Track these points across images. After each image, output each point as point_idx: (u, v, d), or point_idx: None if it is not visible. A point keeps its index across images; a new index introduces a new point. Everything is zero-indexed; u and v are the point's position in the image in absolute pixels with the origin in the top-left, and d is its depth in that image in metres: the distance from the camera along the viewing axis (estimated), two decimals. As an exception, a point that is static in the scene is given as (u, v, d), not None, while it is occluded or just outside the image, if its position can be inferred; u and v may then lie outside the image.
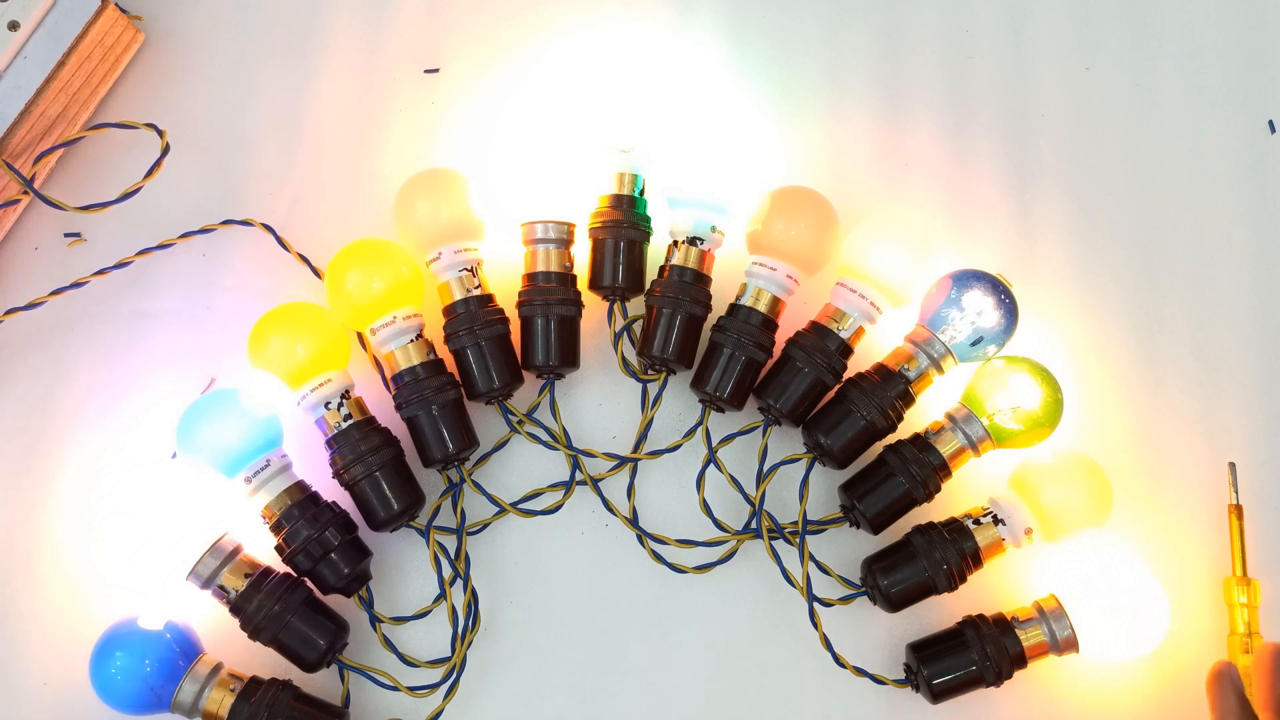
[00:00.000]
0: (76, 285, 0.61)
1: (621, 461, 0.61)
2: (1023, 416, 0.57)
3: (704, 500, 0.60)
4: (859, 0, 0.68)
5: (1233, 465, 0.60)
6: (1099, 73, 0.68)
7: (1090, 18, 0.69)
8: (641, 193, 0.60)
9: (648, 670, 0.60)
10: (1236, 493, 0.60)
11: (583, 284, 0.61)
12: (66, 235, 0.64)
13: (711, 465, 0.60)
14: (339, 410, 0.57)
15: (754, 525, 0.59)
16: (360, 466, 0.56)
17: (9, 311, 0.60)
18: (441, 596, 0.58)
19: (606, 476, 0.61)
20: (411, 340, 0.58)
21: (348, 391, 0.58)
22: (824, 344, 0.58)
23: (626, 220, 0.59)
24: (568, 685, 0.59)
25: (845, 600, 0.58)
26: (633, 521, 0.60)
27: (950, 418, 0.58)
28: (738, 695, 0.59)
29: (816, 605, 0.58)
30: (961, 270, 0.59)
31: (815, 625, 0.58)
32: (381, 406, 0.59)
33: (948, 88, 0.67)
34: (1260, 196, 0.66)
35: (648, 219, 0.60)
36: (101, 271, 0.62)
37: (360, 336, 0.62)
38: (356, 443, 0.56)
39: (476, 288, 0.59)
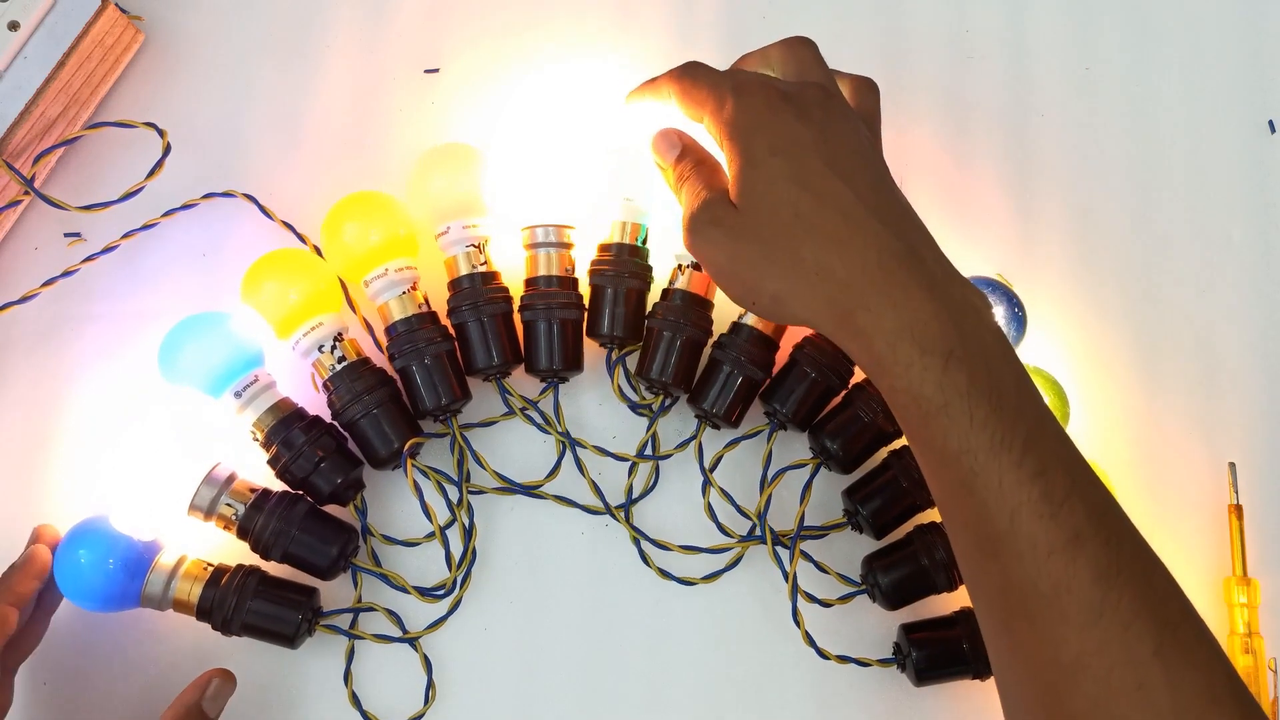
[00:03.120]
0: (67, 274, 0.61)
1: (633, 466, 0.61)
2: None
3: (709, 505, 0.60)
4: (859, 0, 0.68)
5: (1233, 465, 0.60)
6: (1099, 73, 0.68)
7: (1090, 18, 0.69)
8: (644, 241, 0.60)
9: (647, 670, 0.60)
10: (1236, 493, 0.60)
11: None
12: (67, 235, 0.64)
13: (719, 465, 0.60)
14: (333, 353, 0.58)
15: (758, 532, 0.59)
16: (359, 406, 0.57)
17: (3, 306, 0.60)
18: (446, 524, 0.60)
19: (631, 498, 0.61)
20: (405, 292, 0.58)
21: (341, 334, 0.58)
22: (831, 348, 0.58)
23: (628, 269, 0.59)
24: (566, 683, 0.60)
25: (845, 599, 0.58)
26: (641, 534, 0.61)
27: None
28: (736, 695, 0.59)
29: (814, 604, 0.58)
30: (971, 278, 0.59)
31: (798, 623, 0.58)
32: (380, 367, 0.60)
33: (948, 88, 0.67)
34: (1260, 196, 0.66)
35: (649, 267, 0.60)
36: (90, 258, 0.62)
37: (351, 302, 0.62)
38: (353, 382, 0.57)
39: (483, 264, 0.59)
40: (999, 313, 0.58)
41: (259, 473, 0.58)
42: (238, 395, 0.57)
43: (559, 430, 0.60)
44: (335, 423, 0.59)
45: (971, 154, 0.66)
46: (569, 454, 0.61)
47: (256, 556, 0.57)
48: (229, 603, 0.55)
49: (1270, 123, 0.67)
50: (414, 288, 0.59)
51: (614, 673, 0.60)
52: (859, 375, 0.59)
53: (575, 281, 0.60)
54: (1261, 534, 0.61)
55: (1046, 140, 0.67)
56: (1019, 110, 0.67)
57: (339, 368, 0.58)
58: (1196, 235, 0.66)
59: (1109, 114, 0.67)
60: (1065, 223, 0.65)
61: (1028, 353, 0.60)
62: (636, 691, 0.60)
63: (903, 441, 0.59)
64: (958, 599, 0.58)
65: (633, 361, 0.61)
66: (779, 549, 0.59)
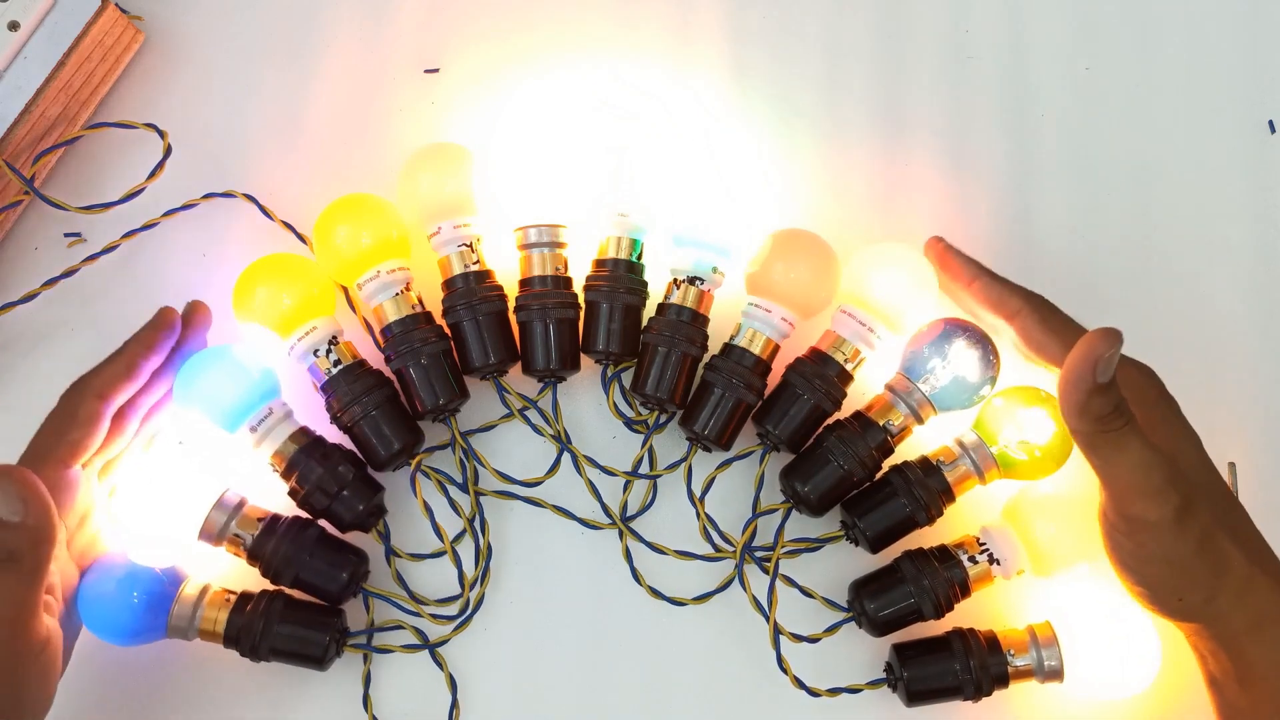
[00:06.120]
0: (67, 274, 0.61)
1: (628, 484, 0.61)
2: (1033, 449, 0.56)
3: (703, 528, 0.60)
4: (859, 0, 0.68)
5: (1233, 465, 0.60)
6: (1099, 73, 0.68)
7: (1090, 18, 0.69)
8: (639, 257, 0.60)
9: (645, 669, 0.60)
10: (1236, 493, 0.60)
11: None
12: (66, 235, 0.64)
13: (714, 484, 0.60)
14: (328, 357, 0.58)
15: (741, 557, 0.59)
16: (357, 408, 0.57)
17: (4, 306, 0.60)
18: (461, 535, 0.60)
19: (627, 513, 0.61)
20: (399, 293, 0.58)
21: (335, 337, 0.58)
22: (824, 370, 0.58)
23: (622, 285, 0.59)
24: (566, 683, 0.60)
25: (830, 630, 0.58)
26: (638, 536, 0.60)
27: (960, 444, 0.57)
28: (732, 703, 0.59)
29: (796, 634, 0.58)
30: (947, 321, 0.58)
31: (784, 669, 0.57)
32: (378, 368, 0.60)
33: (947, 88, 0.67)
34: (1260, 196, 0.66)
35: (644, 283, 0.60)
36: (91, 258, 0.62)
37: (352, 304, 0.62)
38: (350, 385, 0.57)
39: (475, 263, 0.59)
40: (974, 356, 0.57)
41: (270, 491, 0.58)
42: (253, 430, 0.56)
43: (553, 433, 0.60)
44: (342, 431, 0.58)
45: (971, 154, 0.66)
46: (567, 455, 0.60)
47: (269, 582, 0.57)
48: (256, 628, 0.55)
49: (1270, 123, 0.67)
50: (407, 288, 0.59)
51: (612, 672, 0.60)
52: (852, 397, 0.59)
53: (569, 280, 0.60)
54: (1262, 533, 0.61)
55: (1046, 140, 0.67)
56: (1019, 110, 0.67)
57: (335, 371, 0.58)
58: (1196, 235, 0.66)
59: (1109, 114, 0.67)
60: (1065, 223, 0.65)
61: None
62: (633, 691, 0.60)
63: (902, 458, 0.58)
64: (946, 624, 0.57)
65: (628, 377, 0.60)
66: (763, 572, 0.59)
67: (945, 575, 0.56)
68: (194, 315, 0.59)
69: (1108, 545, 0.51)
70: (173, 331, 0.57)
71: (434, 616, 0.59)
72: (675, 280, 0.59)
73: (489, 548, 0.60)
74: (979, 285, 0.57)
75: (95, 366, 0.55)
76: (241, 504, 0.56)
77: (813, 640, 0.58)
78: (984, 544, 0.56)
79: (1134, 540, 0.49)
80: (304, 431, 0.58)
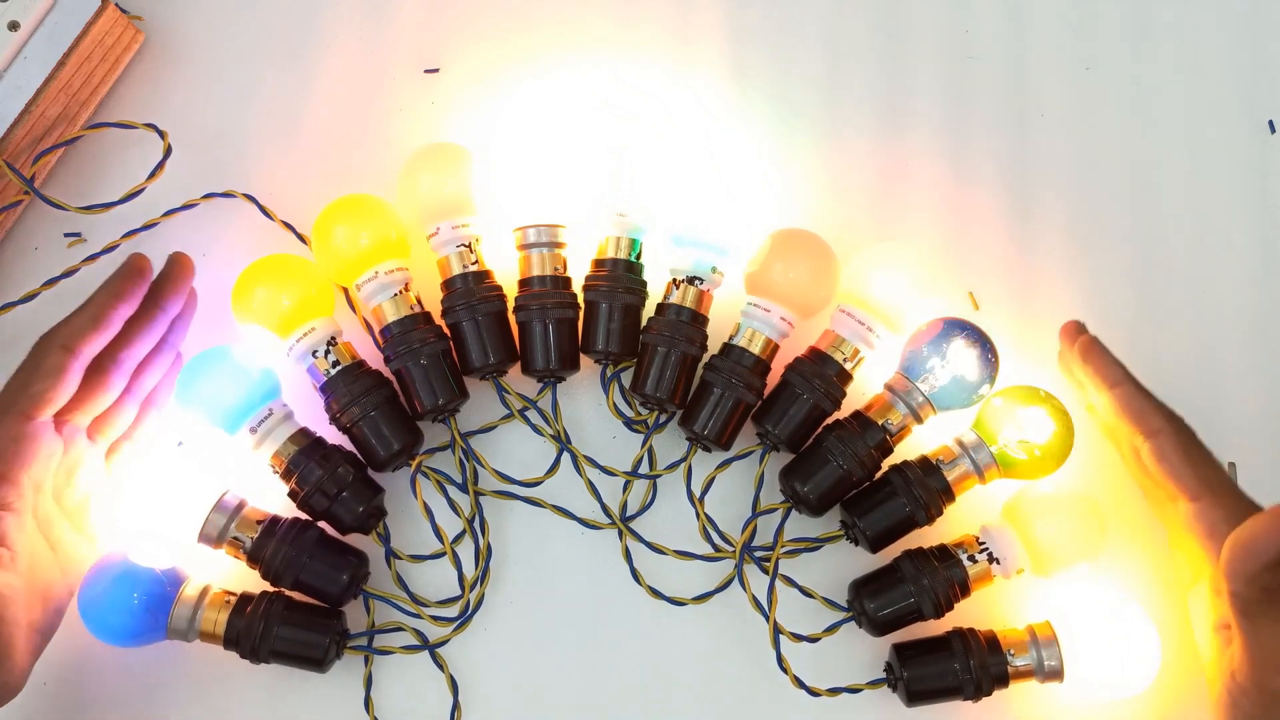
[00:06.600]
0: (68, 274, 0.61)
1: (628, 484, 0.61)
2: (1032, 449, 0.56)
3: (704, 524, 0.60)
4: (859, 0, 0.68)
5: (1232, 465, 0.60)
6: (1099, 73, 0.68)
7: (1090, 18, 0.69)
8: (638, 256, 0.60)
9: (645, 671, 0.60)
10: (1236, 493, 0.60)
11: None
12: (67, 235, 0.64)
13: (714, 484, 0.60)
14: (326, 357, 0.58)
15: (741, 557, 0.59)
16: (356, 409, 0.57)
17: (4, 306, 0.60)
18: (460, 536, 0.60)
19: (627, 513, 0.61)
20: (397, 293, 0.58)
21: (334, 338, 0.58)
22: (823, 370, 0.58)
23: (621, 285, 0.59)
24: (566, 683, 0.60)
25: (830, 630, 0.58)
26: (637, 535, 0.60)
27: (959, 443, 0.57)
28: (731, 704, 0.59)
29: (796, 634, 0.58)
30: (946, 320, 0.58)
31: (784, 670, 0.57)
32: (377, 368, 0.60)
33: (947, 88, 0.67)
34: (1260, 196, 0.66)
35: (644, 282, 0.60)
36: (91, 258, 0.62)
37: (350, 300, 0.62)
38: (349, 386, 0.57)
39: (474, 263, 0.59)
40: (972, 355, 0.57)
41: (270, 492, 0.58)
42: (253, 431, 0.57)
43: (552, 433, 0.60)
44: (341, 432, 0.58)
45: (970, 155, 0.66)
46: (567, 455, 0.60)
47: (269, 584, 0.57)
48: (256, 630, 0.55)
49: (1270, 123, 0.67)
50: (406, 289, 0.59)
51: (612, 672, 0.60)
52: (851, 396, 0.59)
53: (568, 280, 0.60)
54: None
55: (1046, 140, 0.67)
56: (1019, 110, 0.67)
57: (334, 372, 0.58)
58: (1196, 235, 0.66)
59: (1109, 114, 0.67)
60: (1065, 223, 0.65)
61: (1027, 351, 0.60)
62: (633, 691, 0.60)
63: (901, 458, 0.58)
64: (946, 624, 0.57)
65: (628, 377, 0.60)
66: (762, 573, 0.59)
67: (945, 575, 0.56)
68: (175, 269, 0.58)
69: (1226, 705, 0.49)
70: (143, 279, 0.56)
71: (434, 618, 0.59)
72: (675, 280, 0.59)
73: (489, 548, 0.60)
74: (1121, 392, 0.54)
75: (64, 318, 0.54)
76: (241, 506, 0.56)
77: (813, 640, 0.58)
78: (984, 543, 0.56)
79: (1264, 710, 0.47)
80: (304, 433, 0.58)
